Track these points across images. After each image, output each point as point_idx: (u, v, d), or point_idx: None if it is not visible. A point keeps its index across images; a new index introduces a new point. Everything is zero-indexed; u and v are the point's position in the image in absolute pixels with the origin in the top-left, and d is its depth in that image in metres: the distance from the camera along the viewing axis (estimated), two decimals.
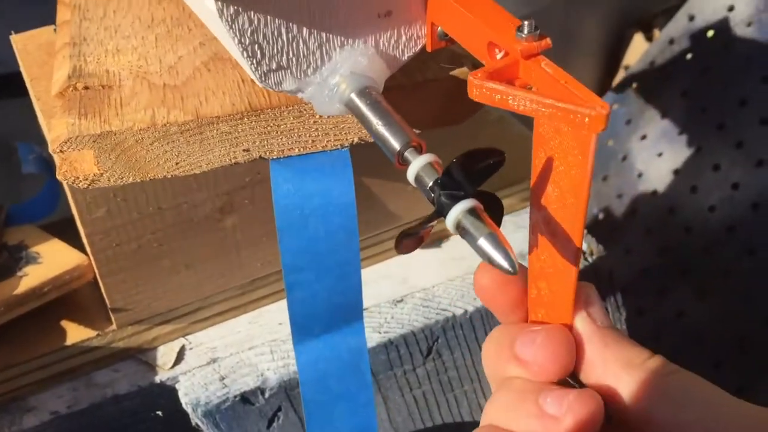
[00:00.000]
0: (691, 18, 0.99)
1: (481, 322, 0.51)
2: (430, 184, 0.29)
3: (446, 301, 0.51)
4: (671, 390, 0.28)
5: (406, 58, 0.34)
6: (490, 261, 0.26)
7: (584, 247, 0.56)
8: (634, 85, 1.08)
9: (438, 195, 0.28)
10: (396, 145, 0.30)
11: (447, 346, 0.50)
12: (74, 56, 0.37)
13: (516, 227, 0.57)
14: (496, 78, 0.27)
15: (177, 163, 0.34)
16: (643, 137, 1.06)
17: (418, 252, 0.55)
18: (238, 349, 0.48)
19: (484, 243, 0.26)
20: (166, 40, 0.38)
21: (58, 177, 0.33)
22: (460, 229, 0.27)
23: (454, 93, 0.36)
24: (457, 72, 0.36)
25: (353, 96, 0.32)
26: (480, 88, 0.27)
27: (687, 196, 0.94)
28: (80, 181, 0.33)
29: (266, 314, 0.50)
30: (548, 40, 0.28)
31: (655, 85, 1.07)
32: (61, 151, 0.32)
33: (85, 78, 0.35)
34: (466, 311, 0.50)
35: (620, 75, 1.19)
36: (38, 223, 0.50)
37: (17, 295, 0.42)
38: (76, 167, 0.33)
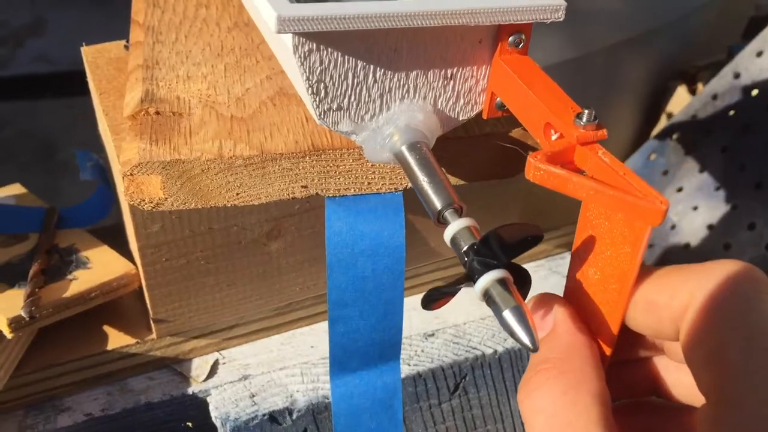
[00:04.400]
0: (737, 75, 1.00)
1: (509, 364, 0.52)
2: (465, 247, 0.30)
3: (477, 339, 0.52)
4: None
5: (460, 120, 0.35)
6: (511, 334, 0.27)
7: None
8: (675, 136, 1.09)
9: (471, 260, 0.29)
10: (438, 204, 0.31)
11: (474, 384, 0.51)
12: (147, 79, 0.39)
13: (550, 272, 0.58)
14: (553, 161, 0.28)
15: (237, 194, 0.35)
16: (680, 189, 1.06)
17: None
18: (269, 368, 0.49)
19: (508, 315, 0.27)
20: (234, 70, 0.40)
21: (126, 198, 0.34)
22: (487, 297, 0.28)
23: (508, 149, 0.37)
24: (513, 131, 0.37)
25: (404, 148, 0.33)
26: (538, 170, 0.28)
27: (720, 252, 0.94)
28: (146, 203, 0.34)
29: (299, 336, 0.52)
30: (605, 131, 0.29)
31: (696, 139, 1.07)
32: (131, 174, 0.34)
33: (157, 103, 0.37)
34: (495, 351, 0.51)
35: (661, 125, 1.19)
36: (86, 228, 0.52)
37: (66, 298, 0.44)
38: (143, 190, 0.34)
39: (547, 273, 0.57)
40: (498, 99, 0.35)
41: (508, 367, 0.52)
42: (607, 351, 0.29)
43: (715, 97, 1.04)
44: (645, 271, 0.29)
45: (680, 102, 1.17)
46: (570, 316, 0.29)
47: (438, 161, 0.33)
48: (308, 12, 0.29)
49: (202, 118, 0.36)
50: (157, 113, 0.36)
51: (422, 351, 0.51)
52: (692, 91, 1.18)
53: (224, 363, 0.49)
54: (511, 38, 0.33)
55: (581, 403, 0.25)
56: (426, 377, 0.50)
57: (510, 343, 0.52)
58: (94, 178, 0.51)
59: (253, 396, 0.47)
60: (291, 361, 0.50)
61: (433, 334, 0.52)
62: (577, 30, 0.98)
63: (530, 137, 0.37)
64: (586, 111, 0.29)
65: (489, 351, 0.51)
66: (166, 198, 0.34)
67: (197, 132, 0.35)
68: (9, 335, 0.42)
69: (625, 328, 0.29)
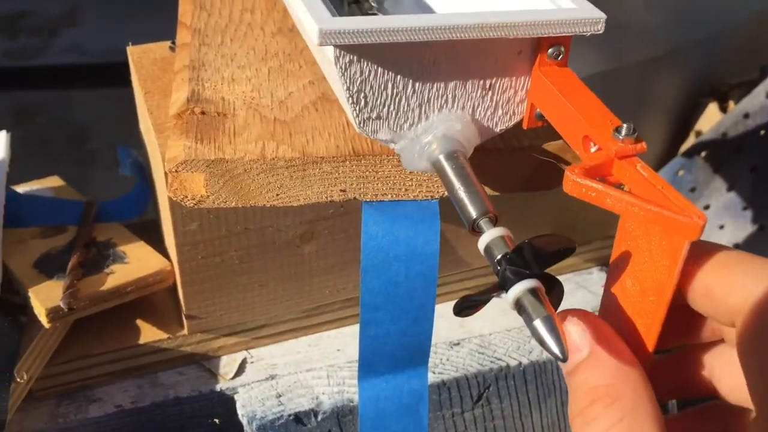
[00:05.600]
0: None
1: (533, 376, 0.52)
2: (498, 256, 0.30)
3: (502, 350, 0.52)
4: None
5: (498, 130, 0.36)
6: (541, 344, 0.27)
7: None
8: (703, 153, 1.08)
9: (504, 269, 0.29)
10: (473, 213, 0.32)
11: (497, 395, 0.51)
12: (193, 80, 0.39)
13: (577, 286, 0.58)
14: (591, 175, 0.29)
15: (277, 195, 0.36)
16: (707, 207, 1.05)
17: None
18: (296, 369, 0.50)
19: (539, 325, 0.27)
20: (278, 74, 0.41)
21: (169, 194, 0.35)
22: (518, 307, 0.28)
23: (546, 162, 0.38)
24: (551, 143, 0.38)
25: (441, 157, 0.33)
26: (576, 184, 0.28)
27: None
28: (188, 200, 0.35)
29: (326, 339, 0.52)
30: (644, 145, 0.29)
31: (725, 157, 1.06)
32: (175, 171, 0.34)
33: (203, 103, 0.38)
34: (520, 363, 0.51)
35: (690, 141, 1.18)
36: (123, 223, 0.53)
37: (102, 292, 0.45)
38: (186, 186, 0.35)
39: (574, 287, 0.58)
40: (538, 110, 0.35)
41: (532, 380, 0.52)
42: (645, 363, 0.29)
43: (746, 116, 1.03)
44: (707, 250, 0.28)
45: (711, 119, 1.17)
46: (610, 337, 0.28)
47: (475, 171, 0.33)
48: (349, 25, 0.30)
49: (246, 119, 0.37)
50: (203, 113, 0.37)
51: (447, 359, 0.51)
52: (723, 109, 1.17)
53: (252, 362, 0.50)
54: (550, 50, 0.34)
55: (640, 430, 0.25)
56: (450, 385, 0.50)
57: (535, 355, 0.52)
58: (132, 174, 0.52)
59: (280, 396, 0.48)
60: (317, 363, 0.50)
61: (458, 343, 0.52)
62: (611, 44, 0.98)
63: (569, 151, 0.38)
64: (625, 125, 0.30)
65: (514, 363, 0.51)
66: (208, 195, 0.35)
67: (241, 133, 0.36)
68: (47, 325, 0.43)
69: (685, 310, 0.29)
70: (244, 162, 0.35)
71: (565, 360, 0.27)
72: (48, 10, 1.84)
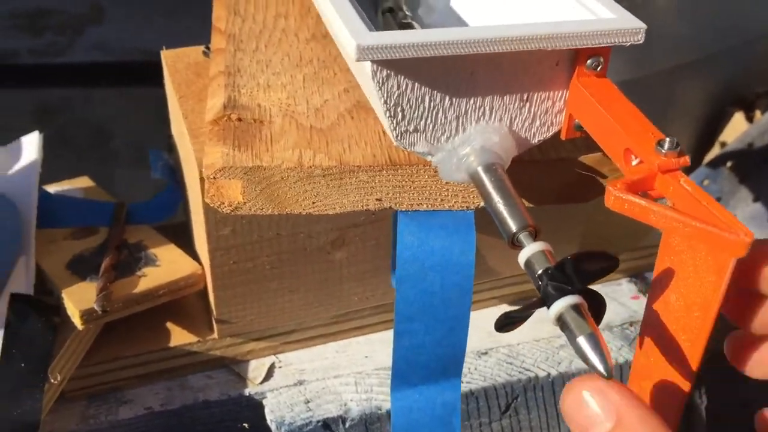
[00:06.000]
0: None
1: (562, 387, 0.51)
2: (539, 271, 0.30)
3: (530, 360, 0.52)
4: None
5: (536, 141, 0.36)
6: (585, 360, 0.27)
7: None
8: (729, 163, 1.07)
9: (545, 284, 0.29)
10: (513, 226, 0.31)
11: (525, 406, 0.51)
12: (229, 86, 0.40)
13: (607, 298, 0.57)
14: (633, 189, 0.28)
15: (313, 203, 0.36)
16: None
17: (506, 308, 0.57)
18: (324, 375, 0.50)
19: (583, 342, 0.27)
20: (312, 81, 0.41)
21: (206, 200, 0.35)
22: (561, 323, 0.28)
23: (583, 174, 0.37)
24: (589, 155, 0.37)
25: (480, 169, 0.33)
26: (618, 200, 0.28)
27: None
28: (225, 206, 0.35)
29: (354, 345, 0.52)
30: (687, 158, 0.29)
31: (751, 168, 1.05)
32: (213, 177, 0.34)
33: (239, 110, 0.38)
34: (549, 374, 0.51)
35: (714, 151, 1.18)
36: (153, 225, 0.53)
37: (135, 294, 0.45)
38: (223, 193, 0.35)
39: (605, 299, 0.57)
40: (576, 121, 0.35)
41: (560, 391, 0.52)
42: (688, 381, 0.29)
43: None
44: None
45: (736, 128, 1.16)
46: (634, 404, 0.26)
47: (512, 183, 0.33)
48: (387, 40, 0.30)
49: (282, 126, 0.37)
50: (239, 120, 0.37)
51: (475, 369, 0.51)
52: (749, 119, 1.16)
53: (280, 367, 0.50)
54: (589, 61, 0.34)
55: None
56: (478, 395, 0.50)
57: (563, 367, 0.52)
58: (163, 177, 0.52)
59: (308, 402, 0.48)
60: (345, 370, 0.50)
61: (486, 353, 0.52)
62: (638, 52, 0.98)
63: (607, 163, 0.37)
64: (668, 138, 0.29)
65: (542, 374, 0.51)
66: (245, 202, 0.35)
67: (278, 140, 0.36)
68: (80, 326, 0.43)
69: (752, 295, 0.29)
70: (282, 170, 0.35)
71: (609, 377, 0.26)
72: (72, 9, 1.86)
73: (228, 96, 0.39)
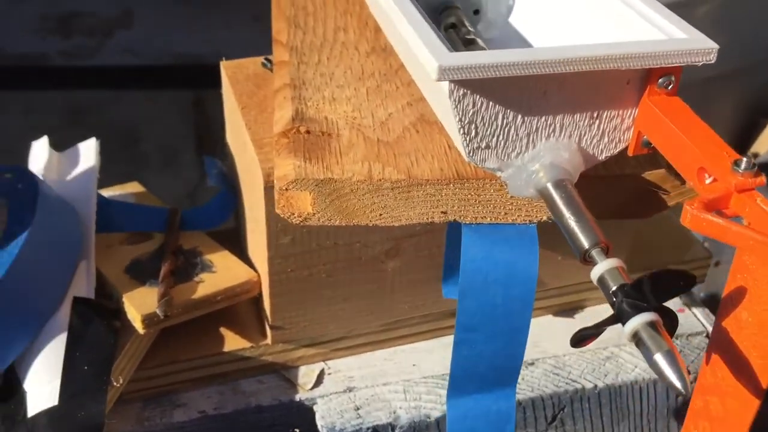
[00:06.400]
0: None
1: (608, 399, 0.52)
2: (614, 288, 0.30)
3: (577, 372, 0.52)
4: None
5: (603, 158, 0.36)
6: (662, 377, 0.27)
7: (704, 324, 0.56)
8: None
9: (620, 301, 0.29)
10: (585, 243, 0.32)
11: (571, 417, 0.51)
12: (295, 99, 0.40)
13: None
14: (709, 208, 0.29)
15: (380, 215, 0.37)
16: None
17: (551, 318, 0.57)
18: (372, 382, 0.50)
19: (660, 359, 0.27)
20: (376, 94, 0.42)
21: (276, 210, 0.36)
22: (637, 340, 0.28)
23: (646, 190, 0.38)
24: (652, 172, 0.38)
25: (549, 185, 0.34)
26: (696, 218, 0.28)
27: None
28: (295, 217, 0.36)
29: (401, 353, 0.53)
30: (764, 178, 0.29)
31: None
32: (286, 189, 0.35)
33: (307, 122, 0.39)
34: (596, 386, 0.51)
35: None
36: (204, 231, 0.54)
37: (194, 300, 0.46)
38: (293, 204, 0.36)
39: None
40: (645, 137, 0.35)
41: (607, 403, 0.52)
42: (758, 399, 0.29)
43: None
44: None
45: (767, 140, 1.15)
46: None
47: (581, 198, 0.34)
48: (467, 61, 0.31)
49: (350, 139, 0.38)
50: (308, 132, 0.38)
51: (522, 379, 0.51)
52: None
53: (329, 373, 0.51)
54: (660, 80, 0.34)
55: None
56: (525, 405, 0.51)
57: (610, 379, 0.52)
58: (218, 184, 0.53)
59: (358, 409, 0.49)
60: (394, 378, 0.51)
61: (533, 363, 0.52)
62: None
63: (669, 180, 0.38)
64: (745, 158, 0.30)
65: (589, 385, 0.51)
66: (314, 213, 0.36)
67: (347, 153, 0.37)
68: (141, 330, 0.44)
69: None
70: (352, 182, 0.35)
71: (687, 394, 0.27)
72: (102, 12, 1.88)
73: (296, 108, 0.40)
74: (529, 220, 0.38)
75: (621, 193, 0.38)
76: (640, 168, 0.38)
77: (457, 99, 0.32)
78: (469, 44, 0.41)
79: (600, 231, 0.32)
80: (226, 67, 0.50)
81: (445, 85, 0.32)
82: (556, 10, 0.43)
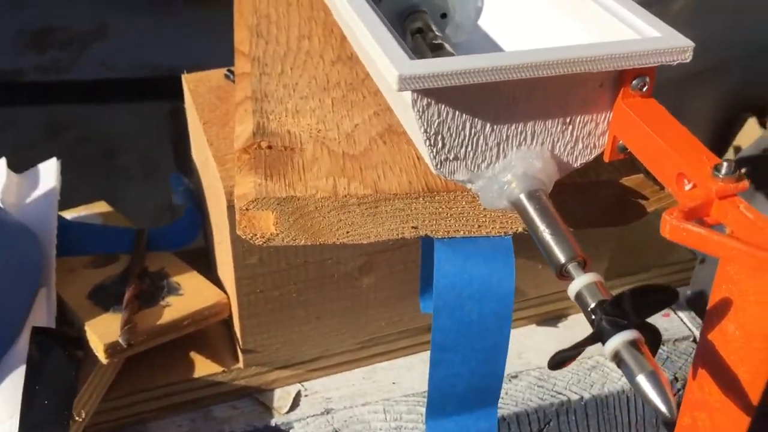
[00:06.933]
0: None
1: (595, 410, 0.50)
2: (593, 305, 0.28)
3: (562, 384, 0.50)
4: None
5: (578, 165, 0.34)
6: (646, 400, 0.26)
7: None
8: (743, 170, 1.06)
9: (599, 319, 0.27)
10: (561, 257, 0.30)
11: (558, 430, 0.50)
12: (257, 112, 0.39)
13: None
14: (689, 217, 0.27)
15: (348, 232, 0.35)
16: None
17: (534, 328, 0.55)
18: (351, 403, 0.49)
19: (643, 381, 0.26)
20: (341, 105, 0.40)
21: (238, 232, 0.34)
22: (617, 360, 0.27)
23: (624, 197, 0.36)
24: (630, 178, 0.36)
25: (522, 197, 0.32)
26: (676, 229, 0.27)
27: None
28: (257, 238, 0.34)
29: (380, 371, 0.51)
30: (746, 183, 0.28)
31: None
32: (246, 209, 0.33)
33: (269, 137, 0.37)
34: (581, 397, 0.50)
35: (729, 155, 1.17)
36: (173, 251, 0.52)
37: (160, 326, 0.44)
38: (255, 224, 0.34)
39: None
40: (620, 142, 0.34)
41: (594, 414, 0.50)
42: (747, 416, 0.28)
43: None
44: None
45: (750, 134, 1.15)
46: None
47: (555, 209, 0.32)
48: (429, 69, 0.29)
49: (314, 153, 0.36)
50: (270, 147, 0.36)
51: (506, 393, 0.50)
52: (762, 124, 1.16)
53: (306, 395, 0.49)
54: (634, 81, 0.33)
55: None
56: (510, 420, 0.49)
57: (596, 389, 0.50)
58: (185, 202, 0.51)
59: (337, 431, 0.47)
60: (373, 397, 0.49)
61: (516, 376, 0.51)
62: None
63: (648, 185, 0.36)
64: (725, 162, 0.28)
65: (575, 397, 0.50)
66: (278, 233, 0.34)
67: (310, 168, 0.35)
68: (104, 360, 0.42)
69: None
70: (316, 199, 0.34)
71: (672, 418, 0.25)
72: (75, 25, 1.86)
73: (257, 123, 0.38)
74: (504, 232, 0.36)
75: (598, 200, 0.36)
76: (617, 174, 0.36)
77: (420, 109, 0.30)
78: (437, 49, 0.39)
79: (576, 244, 0.30)
80: (187, 81, 0.48)
81: (408, 95, 0.30)
82: (525, 11, 0.41)
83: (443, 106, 0.31)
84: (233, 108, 0.41)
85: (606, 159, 0.34)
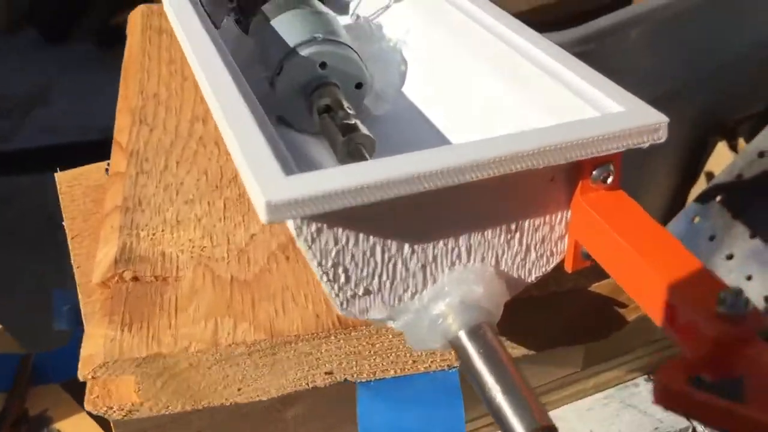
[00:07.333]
0: None
1: None
2: None
3: None
4: None
5: (533, 279, 0.26)
6: None
7: None
8: (719, 198, 1.01)
9: None
10: (517, 428, 0.22)
11: None
12: (125, 228, 0.30)
13: (623, 406, 0.48)
14: (691, 371, 0.19)
15: (239, 389, 0.27)
16: (730, 257, 0.98)
17: None
18: None
19: None
20: (236, 208, 0.32)
21: (86, 407, 0.26)
22: None
23: (596, 307, 0.28)
24: (600, 283, 0.28)
25: (462, 334, 0.24)
26: (674, 397, 0.19)
27: None
28: (113, 411, 0.26)
29: None
30: (764, 318, 0.20)
31: (744, 200, 0.99)
32: (92, 377, 0.25)
33: (135, 264, 0.28)
34: None
35: (701, 184, 1.12)
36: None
37: None
38: (111, 393, 0.26)
39: (619, 407, 0.48)
40: (584, 248, 0.26)
41: None
42: None
43: (761, 154, 0.96)
44: None
45: (721, 159, 1.10)
46: None
47: (504, 331, 0.24)
48: (310, 189, 0.21)
49: (194, 283, 0.28)
50: (135, 279, 0.28)
51: None
52: (733, 147, 1.11)
53: None
54: (595, 172, 0.25)
55: None
56: None
57: None
58: (69, 326, 0.42)
59: None
60: None
61: None
62: None
63: (623, 291, 0.28)
64: (731, 290, 0.20)
65: None
66: (142, 403, 0.26)
67: (185, 307, 0.27)
68: None
69: None
70: (189, 354, 0.25)
71: None
72: (13, 92, 1.77)
73: (122, 244, 0.29)
74: (447, 365, 0.28)
75: (564, 315, 0.28)
76: (584, 280, 0.28)
77: (309, 238, 0.22)
78: (349, 131, 0.31)
79: (537, 405, 0.22)
80: (61, 181, 0.40)
81: (291, 224, 0.22)
82: (456, 75, 0.34)
83: (340, 230, 0.23)
84: (101, 222, 0.33)
85: (568, 269, 0.26)
